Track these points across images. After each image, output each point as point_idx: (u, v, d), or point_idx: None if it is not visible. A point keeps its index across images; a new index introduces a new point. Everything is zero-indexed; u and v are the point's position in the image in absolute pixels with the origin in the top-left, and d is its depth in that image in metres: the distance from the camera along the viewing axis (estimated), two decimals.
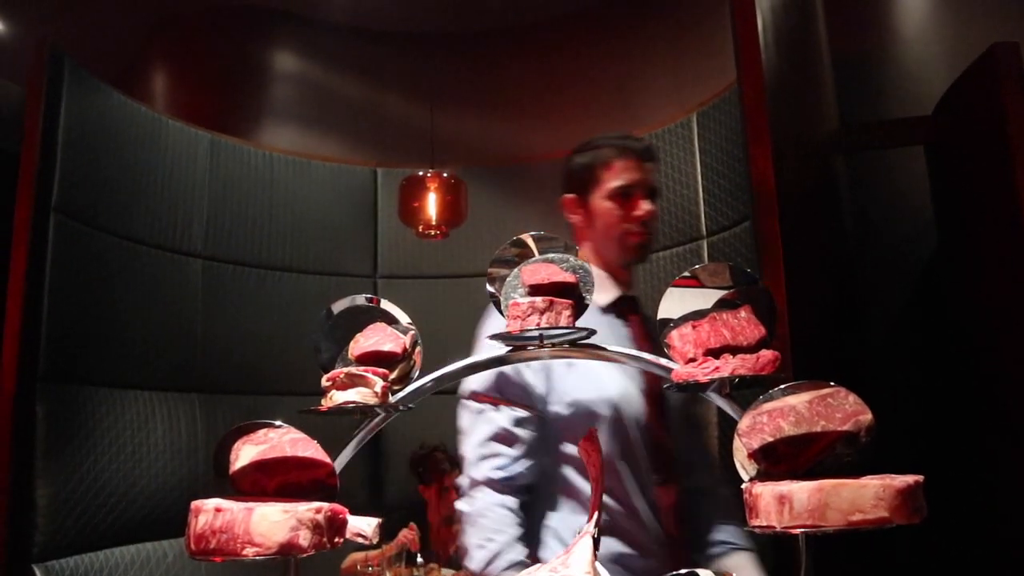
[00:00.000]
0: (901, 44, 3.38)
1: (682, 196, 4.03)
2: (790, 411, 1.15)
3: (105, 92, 3.60)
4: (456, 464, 3.93)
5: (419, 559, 3.32)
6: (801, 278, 2.59)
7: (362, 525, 1.29)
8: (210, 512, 1.15)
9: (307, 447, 1.26)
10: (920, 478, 1.06)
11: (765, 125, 2.63)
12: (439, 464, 3.92)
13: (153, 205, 3.76)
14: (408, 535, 3.33)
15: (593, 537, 1.30)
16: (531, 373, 1.94)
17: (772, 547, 1.97)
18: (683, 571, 1.12)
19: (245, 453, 1.26)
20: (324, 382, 1.50)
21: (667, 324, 1.49)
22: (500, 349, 1.56)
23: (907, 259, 3.18)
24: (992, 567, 1.34)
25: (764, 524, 1.08)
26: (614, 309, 2.07)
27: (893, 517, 1.02)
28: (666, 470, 1.93)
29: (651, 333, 2.00)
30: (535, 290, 1.53)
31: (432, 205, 4.10)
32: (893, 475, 1.07)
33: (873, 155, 3.35)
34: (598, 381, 1.92)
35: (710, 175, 3.86)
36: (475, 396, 1.98)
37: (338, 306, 1.65)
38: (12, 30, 5.38)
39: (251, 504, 1.16)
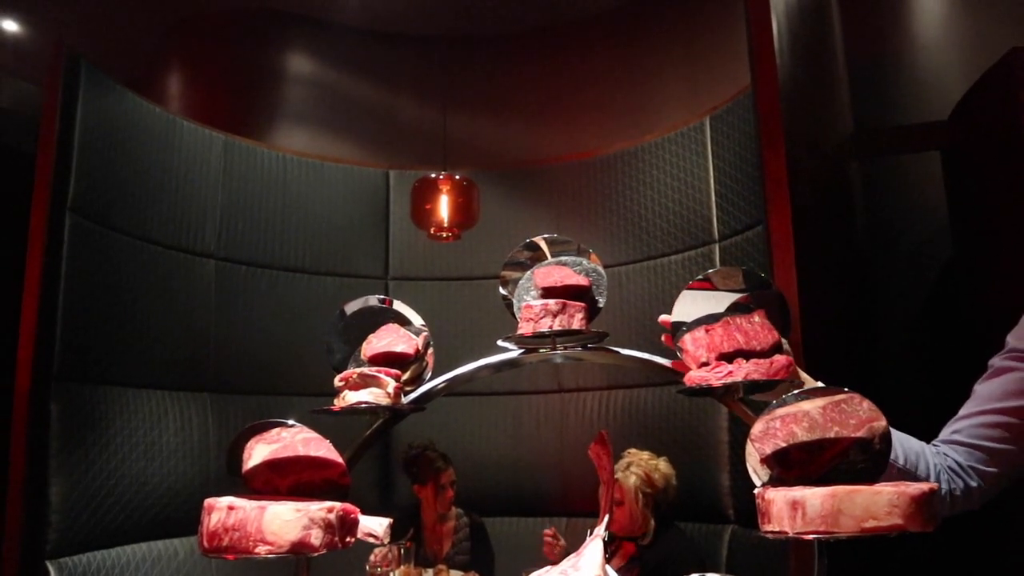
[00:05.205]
0: (917, 49, 3.36)
1: (694, 200, 4.02)
2: (804, 416, 1.14)
3: (120, 94, 3.62)
4: (449, 461, 3.91)
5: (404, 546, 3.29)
6: (814, 283, 2.58)
7: (373, 525, 1.29)
8: (223, 510, 1.15)
9: (319, 446, 1.26)
10: (935, 485, 1.05)
11: (779, 129, 2.62)
12: (433, 463, 3.91)
13: (167, 206, 3.78)
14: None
15: (603, 540, 1.30)
16: None
17: None
18: (694, 575, 1.12)
19: (258, 452, 1.26)
20: (337, 382, 1.50)
21: (680, 328, 1.49)
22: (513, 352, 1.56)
23: (922, 265, 3.17)
24: (1004, 572, 1.34)
25: (776, 530, 1.08)
26: None
27: (907, 525, 1.01)
28: None
29: None
30: (548, 292, 1.53)
31: (444, 207, 4.10)
32: (907, 482, 1.07)
33: (888, 160, 3.34)
34: None
35: (723, 179, 3.85)
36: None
37: (351, 307, 1.65)
38: (29, 32, 5.42)
39: (263, 502, 1.16)
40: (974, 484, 1.38)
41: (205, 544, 1.16)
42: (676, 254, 4.10)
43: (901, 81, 3.37)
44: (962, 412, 1.46)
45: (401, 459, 4.06)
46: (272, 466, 1.26)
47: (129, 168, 3.60)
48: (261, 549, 1.13)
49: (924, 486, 1.05)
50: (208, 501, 1.17)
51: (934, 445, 1.44)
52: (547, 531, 3.50)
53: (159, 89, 5.27)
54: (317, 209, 4.47)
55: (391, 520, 1.37)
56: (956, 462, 1.40)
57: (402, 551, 3.24)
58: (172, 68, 5.37)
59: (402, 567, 3.23)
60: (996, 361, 1.42)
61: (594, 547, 1.27)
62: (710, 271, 1.51)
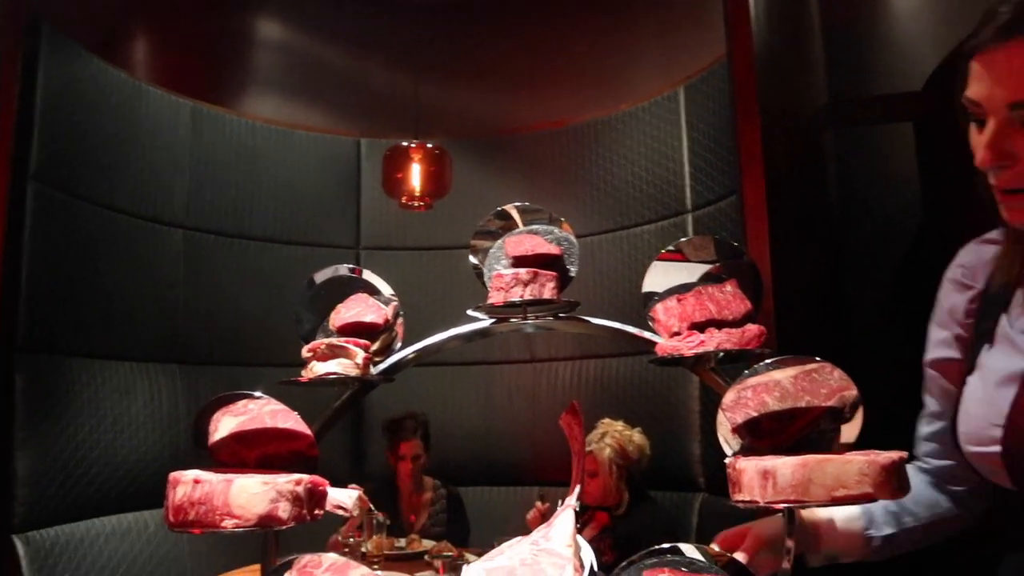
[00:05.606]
0: (893, 18, 3.35)
1: (667, 170, 4.01)
2: (775, 386, 1.14)
3: (84, 58, 3.53)
4: (419, 434, 3.90)
5: (377, 517, 3.28)
6: (788, 253, 2.59)
7: (342, 497, 1.28)
8: (189, 484, 1.13)
9: (287, 418, 1.24)
10: (904, 454, 1.06)
11: (754, 98, 2.61)
12: (402, 431, 3.91)
13: (133, 174, 3.71)
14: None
15: (575, 510, 1.29)
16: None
17: None
18: (666, 545, 1.12)
19: (224, 424, 1.24)
20: (305, 353, 1.48)
21: (652, 297, 1.48)
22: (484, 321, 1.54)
23: (895, 235, 3.18)
24: (973, 539, 1.35)
25: (748, 499, 1.07)
26: None
27: (877, 493, 1.01)
28: None
29: None
30: (519, 261, 1.52)
31: (416, 176, 4.05)
32: (877, 451, 1.07)
33: (862, 131, 3.33)
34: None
35: (697, 149, 3.84)
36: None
37: (320, 276, 1.63)
38: None
39: (230, 476, 1.14)
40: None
41: (171, 518, 1.14)
42: (649, 224, 4.10)
43: (877, 51, 3.35)
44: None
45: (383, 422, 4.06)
46: (239, 438, 1.24)
47: (94, 135, 3.52)
48: (228, 523, 1.12)
49: (894, 455, 1.05)
50: (173, 475, 1.14)
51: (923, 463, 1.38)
52: (540, 505, 3.49)
53: (124, 54, 5.13)
54: (287, 178, 4.42)
55: (360, 492, 1.36)
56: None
57: (375, 522, 3.24)
58: (137, 32, 5.23)
59: (374, 537, 3.23)
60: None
61: (565, 517, 1.27)
62: (681, 241, 1.50)
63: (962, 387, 1.23)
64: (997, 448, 1.12)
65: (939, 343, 1.33)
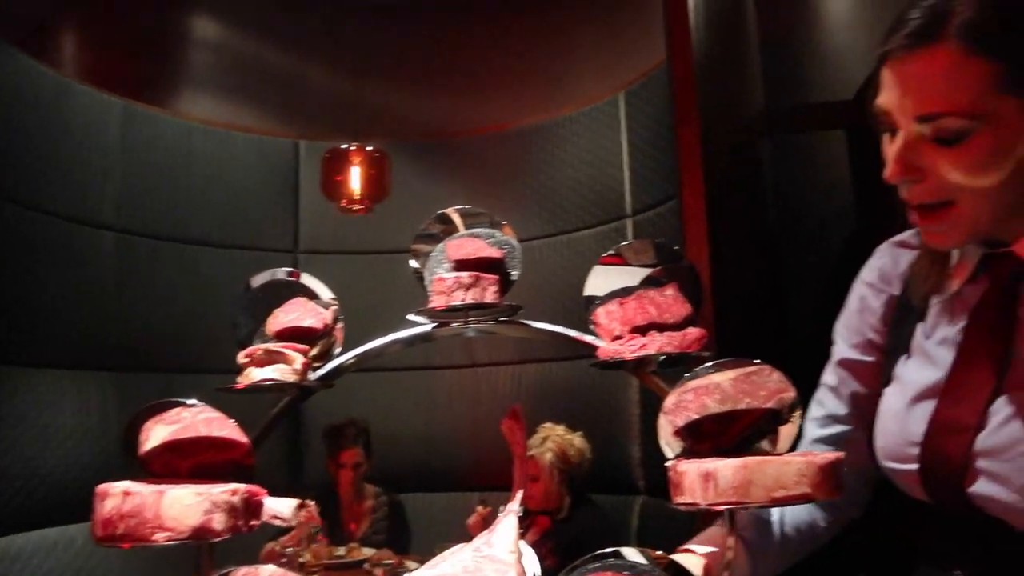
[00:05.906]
0: (827, 28, 3.43)
1: (607, 175, 4.04)
2: (715, 388, 1.14)
3: (7, 54, 3.41)
4: (360, 443, 3.86)
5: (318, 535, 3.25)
6: (727, 257, 2.62)
7: (280, 507, 1.25)
8: (118, 496, 1.09)
9: (223, 426, 1.21)
10: (841, 455, 1.07)
11: (694, 104, 2.64)
12: (343, 438, 3.87)
13: (61, 175, 3.59)
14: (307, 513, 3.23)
15: (518, 516, 1.29)
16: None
17: None
18: (608, 550, 1.11)
19: (156, 433, 1.20)
20: (241, 358, 1.44)
21: (593, 302, 1.48)
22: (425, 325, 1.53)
23: (830, 240, 3.25)
24: (913, 544, 1.37)
25: (689, 501, 1.08)
26: None
27: (815, 493, 1.03)
28: None
29: None
30: (461, 265, 1.50)
31: (355, 179, 4.01)
32: (815, 452, 1.08)
33: (797, 138, 3.40)
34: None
35: (636, 154, 3.88)
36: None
37: (257, 280, 1.59)
38: None
39: (162, 487, 1.11)
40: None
41: (99, 532, 1.10)
42: (589, 228, 4.12)
43: (811, 60, 3.43)
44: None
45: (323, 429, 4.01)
46: (172, 448, 1.20)
47: (18, 134, 3.41)
48: (160, 536, 1.08)
49: (831, 455, 1.06)
50: (101, 487, 1.10)
51: None
52: (481, 509, 3.48)
53: (51, 49, 4.98)
54: (223, 180, 4.33)
55: (299, 501, 1.33)
56: None
57: (312, 531, 3.19)
58: (66, 27, 5.08)
59: (313, 546, 3.18)
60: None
61: (507, 523, 1.26)
62: (622, 245, 1.51)
63: (878, 397, 1.22)
64: (915, 466, 1.12)
65: (851, 345, 1.31)
